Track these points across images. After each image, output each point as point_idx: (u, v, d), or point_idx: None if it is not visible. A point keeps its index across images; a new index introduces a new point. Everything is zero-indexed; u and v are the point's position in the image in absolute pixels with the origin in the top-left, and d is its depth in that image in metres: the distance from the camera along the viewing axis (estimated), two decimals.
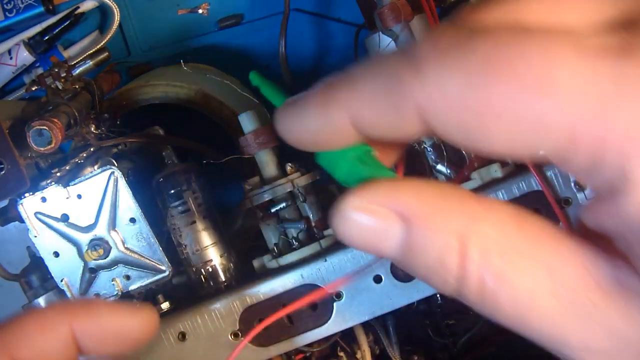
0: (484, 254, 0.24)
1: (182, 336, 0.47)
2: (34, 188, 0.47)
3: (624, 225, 0.22)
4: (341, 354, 0.58)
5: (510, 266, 0.24)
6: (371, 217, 0.26)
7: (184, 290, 0.54)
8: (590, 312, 0.23)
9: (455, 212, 0.25)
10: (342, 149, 0.29)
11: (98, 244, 0.47)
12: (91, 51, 0.68)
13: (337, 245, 0.47)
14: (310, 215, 0.49)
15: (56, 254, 0.48)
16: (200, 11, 0.71)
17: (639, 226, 0.21)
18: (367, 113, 0.26)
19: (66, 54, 0.69)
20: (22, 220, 0.47)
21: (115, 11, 0.68)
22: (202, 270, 0.51)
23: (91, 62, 0.65)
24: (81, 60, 0.66)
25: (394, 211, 0.26)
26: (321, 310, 0.47)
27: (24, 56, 0.67)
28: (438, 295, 0.56)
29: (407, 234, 0.26)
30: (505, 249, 0.24)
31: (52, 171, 0.50)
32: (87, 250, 0.47)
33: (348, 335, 0.57)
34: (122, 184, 0.47)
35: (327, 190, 0.53)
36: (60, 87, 0.54)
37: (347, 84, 0.26)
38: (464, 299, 0.26)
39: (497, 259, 0.24)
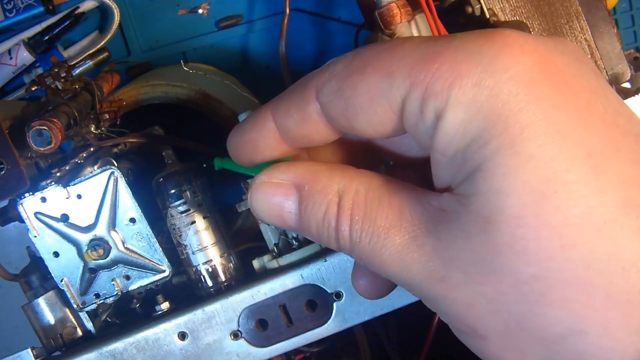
0: (354, 204, 0.31)
1: (182, 336, 0.47)
2: (34, 188, 0.47)
3: (440, 149, 0.28)
4: (341, 353, 0.58)
5: (370, 211, 0.30)
6: (274, 189, 0.33)
7: (184, 290, 0.54)
8: (425, 241, 0.29)
9: (336, 176, 0.32)
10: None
11: (98, 244, 0.47)
12: (91, 51, 0.67)
13: None
14: None
15: (56, 254, 0.48)
16: (200, 11, 0.71)
17: (446, 142, 0.28)
18: (284, 120, 0.33)
19: (66, 54, 0.69)
20: (22, 220, 0.47)
21: (115, 11, 0.68)
22: (202, 270, 0.51)
23: (91, 62, 0.65)
24: (81, 60, 0.66)
25: (290, 182, 0.33)
26: (321, 311, 0.47)
27: (24, 56, 0.67)
28: None
29: (300, 197, 0.32)
30: (369, 199, 0.30)
31: (52, 171, 0.50)
32: (87, 250, 0.47)
33: (348, 335, 0.57)
34: (122, 184, 0.47)
35: None
36: (60, 87, 0.54)
37: (273, 100, 0.34)
38: (344, 249, 0.32)
39: (362, 207, 0.30)
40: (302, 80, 0.33)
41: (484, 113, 0.26)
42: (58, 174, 0.49)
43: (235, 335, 0.47)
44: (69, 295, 0.48)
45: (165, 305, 0.50)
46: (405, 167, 0.36)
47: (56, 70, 0.55)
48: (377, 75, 0.29)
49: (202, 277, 0.51)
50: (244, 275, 0.53)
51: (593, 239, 0.25)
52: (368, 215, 0.30)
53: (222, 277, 0.52)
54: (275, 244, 0.50)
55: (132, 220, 0.48)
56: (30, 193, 0.47)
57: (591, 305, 0.26)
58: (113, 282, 0.48)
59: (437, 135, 0.28)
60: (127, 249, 0.48)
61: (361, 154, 0.37)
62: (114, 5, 0.68)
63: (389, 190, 0.31)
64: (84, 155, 0.51)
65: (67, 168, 0.50)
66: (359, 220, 0.30)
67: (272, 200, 0.33)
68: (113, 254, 0.48)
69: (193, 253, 0.51)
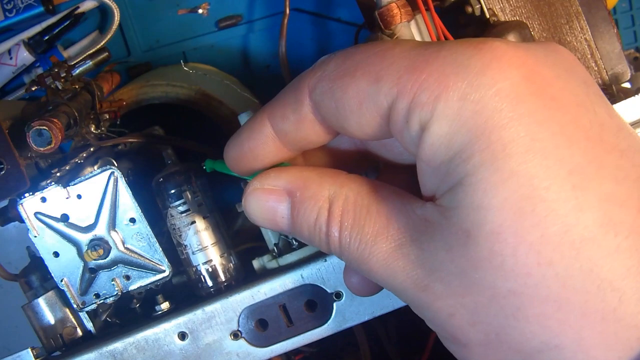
0: (343, 210, 0.31)
1: (182, 336, 0.47)
2: (34, 188, 0.47)
3: (424, 158, 0.29)
4: (341, 353, 0.58)
5: (359, 218, 0.31)
6: (267, 195, 0.34)
7: (184, 290, 0.54)
8: (409, 250, 0.29)
9: (326, 182, 0.32)
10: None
11: (98, 244, 0.47)
12: (91, 51, 0.67)
13: None
14: None
15: (56, 254, 0.48)
16: (200, 11, 0.71)
17: (431, 153, 0.28)
18: (282, 124, 0.33)
19: (66, 54, 0.69)
20: (22, 220, 0.47)
21: (115, 11, 0.68)
22: (202, 270, 0.51)
23: (91, 62, 0.65)
24: (81, 60, 0.66)
25: (282, 188, 0.33)
26: (321, 311, 0.47)
27: (24, 56, 0.67)
28: None
29: (292, 203, 0.33)
30: (358, 206, 0.31)
31: (52, 171, 0.50)
32: (87, 250, 0.47)
33: (348, 335, 0.57)
34: (122, 184, 0.47)
35: None
36: (60, 87, 0.54)
37: (268, 106, 0.34)
38: (334, 253, 0.32)
39: (351, 214, 0.31)
40: (294, 82, 0.33)
41: (468, 128, 0.26)
42: (58, 174, 0.49)
43: (235, 335, 0.47)
44: (69, 295, 0.48)
45: (165, 305, 0.50)
46: (397, 169, 0.36)
47: (56, 70, 0.55)
48: (366, 79, 0.29)
49: (202, 277, 0.51)
50: (244, 275, 0.53)
51: (570, 257, 0.26)
52: (357, 222, 0.31)
53: (222, 277, 0.52)
54: (275, 244, 0.50)
55: (132, 220, 0.48)
56: (30, 193, 0.47)
57: (566, 322, 0.26)
58: (113, 282, 0.48)
59: (422, 146, 0.28)
60: (127, 249, 0.48)
61: (355, 156, 0.38)
62: (114, 5, 0.68)
63: (377, 197, 0.31)
64: (84, 155, 0.51)
65: (67, 168, 0.50)
66: (348, 226, 0.31)
67: (265, 205, 0.34)
68: (113, 254, 0.48)
69: (193, 253, 0.51)
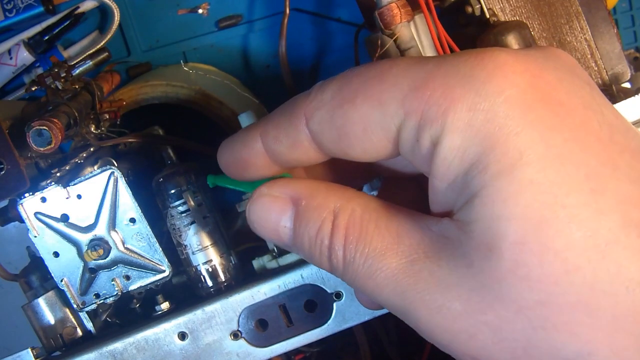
0: (349, 224, 0.30)
1: (182, 336, 0.47)
2: (34, 188, 0.47)
3: (437, 172, 0.28)
4: (341, 353, 0.58)
5: (366, 232, 0.30)
6: (272, 202, 0.33)
7: (184, 290, 0.54)
8: (423, 266, 0.28)
9: (332, 195, 0.32)
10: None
11: (98, 244, 0.47)
12: (91, 51, 0.67)
13: None
14: None
15: (56, 254, 0.48)
16: (200, 11, 0.71)
17: (445, 165, 0.27)
18: (273, 145, 0.33)
19: (66, 54, 0.69)
20: (22, 220, 0.47)
21: (115, 11, 0.68)
22: (202, 270, 0.51)
23: (91, 62, 0.65)
24: (81, 60, 0.66)
25: (287, 195, 0.33)
26: (321, 311, 0.47)
27: (24, 56, 0.67)
28: None
29: (296, 212, 0.32)
30: (365, 220, 0.30)
31: (52, 171, 0.50)
32: (87, 250, 0.47)
33: (348, 335, 0.57)
34: (122, 184, 0.47)
35: None
36: (60, 87, 0.54)
37: (261, 123, 0.34)
38: (336, 270, 0.31)
39: (358, 228, 0.30)
40: (289, 105, 0.32)
41: (481, 137, 0.26)
42: (58, 174, 0.49)
43: (235, 335, 0.47)
44: (69, 295, 0.48)
45: (165, 305, 0.50)
46: (399, 182, 0.36)
47: (56, 70, 0.55)
48: (369, 104, 0.29)
49: (202, 277, 0.51)
50: (244, 275, 0.53)
51: (596, 261, 0.25)
52: (363, 236, 0.30)
53: (222, 277, 0.52)
54: (275, 244, 0.50)
55: (132, 220, 0.48)
56: (30, 193, 0.47)
57: (597, 327, 0.26)
58: (113, 282, 0.48)
59: (434, 162, 0.28)
60: (127, 249, 0.48)
61: (356, 169, 0.37)
62: (114, 5, 0.68)
63: (387, 213, 0.30)
64: (84, 155, 0.51)
65: (67, 168, 0.50)
66: (354, 240, 0.30)
67: (269, 213, 0.33)
68: (113, 254, 0.48)
69: (193, 253, 0.51)
